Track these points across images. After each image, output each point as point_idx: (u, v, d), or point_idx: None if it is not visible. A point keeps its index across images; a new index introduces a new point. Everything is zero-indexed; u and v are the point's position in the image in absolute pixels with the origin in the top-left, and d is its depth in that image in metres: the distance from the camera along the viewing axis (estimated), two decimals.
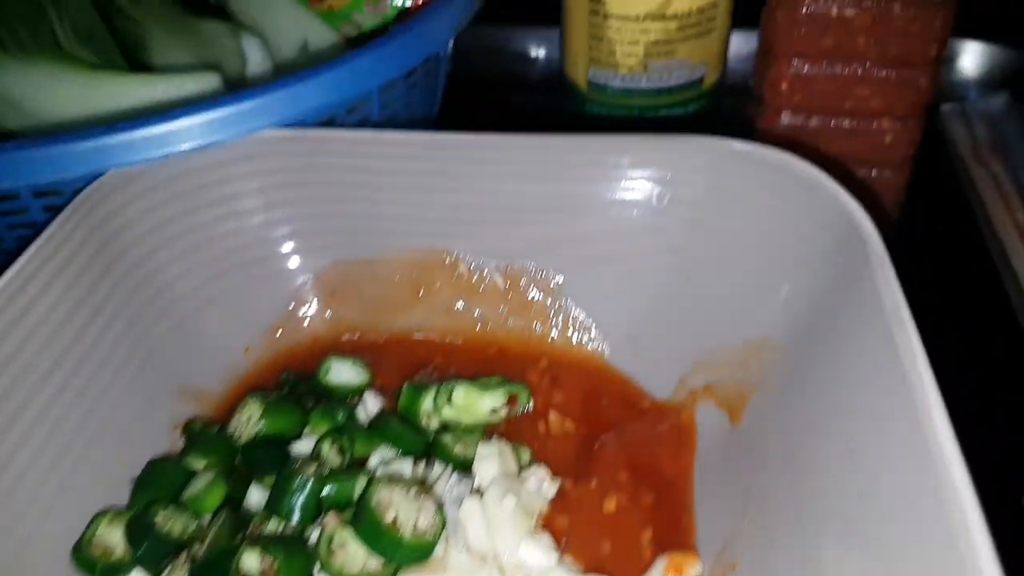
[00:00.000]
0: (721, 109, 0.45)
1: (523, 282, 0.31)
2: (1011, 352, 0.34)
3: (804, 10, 0.32)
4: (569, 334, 0.31)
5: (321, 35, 0.44)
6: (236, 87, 0.40)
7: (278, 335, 0.32)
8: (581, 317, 0.31)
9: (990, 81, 0.49)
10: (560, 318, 0.31)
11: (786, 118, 0.35)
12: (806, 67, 0.34)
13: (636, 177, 0.30)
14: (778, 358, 0.26)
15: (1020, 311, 0.36)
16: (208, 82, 0.37)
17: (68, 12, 0.38)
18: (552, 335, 0.31)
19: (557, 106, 0.46)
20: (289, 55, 0.43)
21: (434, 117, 0.46)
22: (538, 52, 0.54)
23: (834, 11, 0.32)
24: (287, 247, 0.32)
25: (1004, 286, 0.37)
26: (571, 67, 0.44)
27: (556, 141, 0.30)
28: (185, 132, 0.30)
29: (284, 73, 0.42)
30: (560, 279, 0.31)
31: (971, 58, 0.49)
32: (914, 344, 0.21)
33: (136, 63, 0.42)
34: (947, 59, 0.49)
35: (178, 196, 0.30)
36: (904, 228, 0.38)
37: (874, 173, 0.36)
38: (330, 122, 0.35)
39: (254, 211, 0.31)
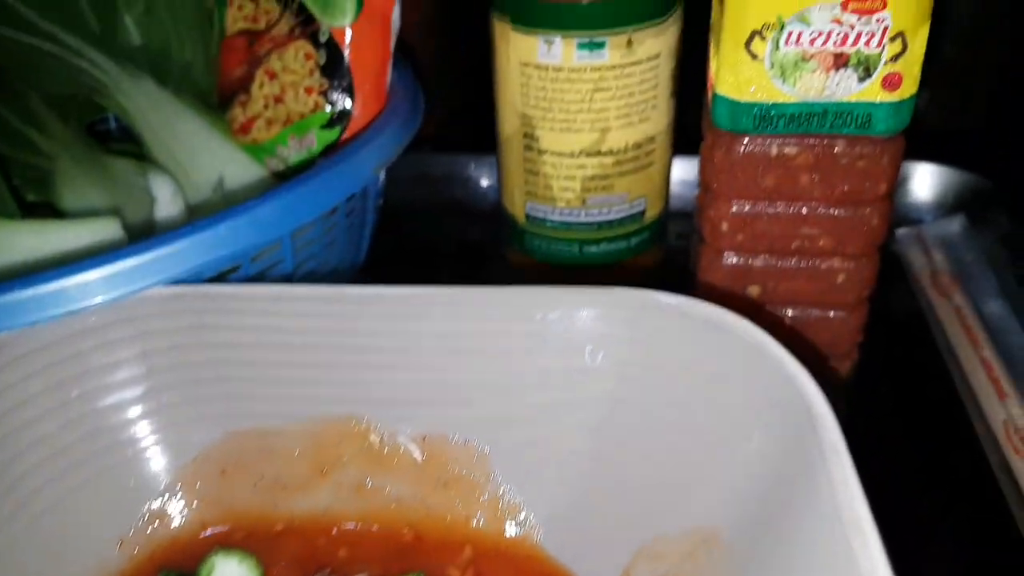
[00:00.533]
0: (666, 240, 0.43)
1: (443, 454, 0.28)
2: (974, 485, 0.33)
3: (741, 150, 0.30)
4: (497, 515, 0.27)
5: (245, 169, 0.42)
6: (141, 232, 0.37)
7: (157, 525, 0.28)
8: (509, 495, 0.28)
9: (944, 203, 0.47)
10: (486, 496, 0.27)
11: (729, 258, 0.33)
12: (747, 207, 0.31)
13: (566, 335, 0.27)
14: (727, 555, 0.22)
15: (989, 450, 0.33)
16: (107, 229, 0.34)
17: None
18: (477, 517, 0.27)
19: (498, 235, 0.44)
20: (207, 192, 0.40)
21: (364, 253, 0.43)
22: (480, 179, 0.52)
23: (774, 150, 0.30)
24: (172, 419, 0.28)
25: (971, 423, 0.34)
26: (508, 200, 0.42)
27: (478, 295, 0.27)
28: (58, 296, 0.27)
29: (197, 215, 0.39)
30: (486, 449, 0.28)
31: (925, 180, 0.48)
32: (878, 563, 0.17)
33: (41, 203, 0.40)
34: (900, 182, 0.47)
35: (47, 368, 0.27)
36: (863, 359, 0.35)
37: (831, 314, 0.33)
38: (235, 269, 0.32)
39: (136, 380, 0.28)
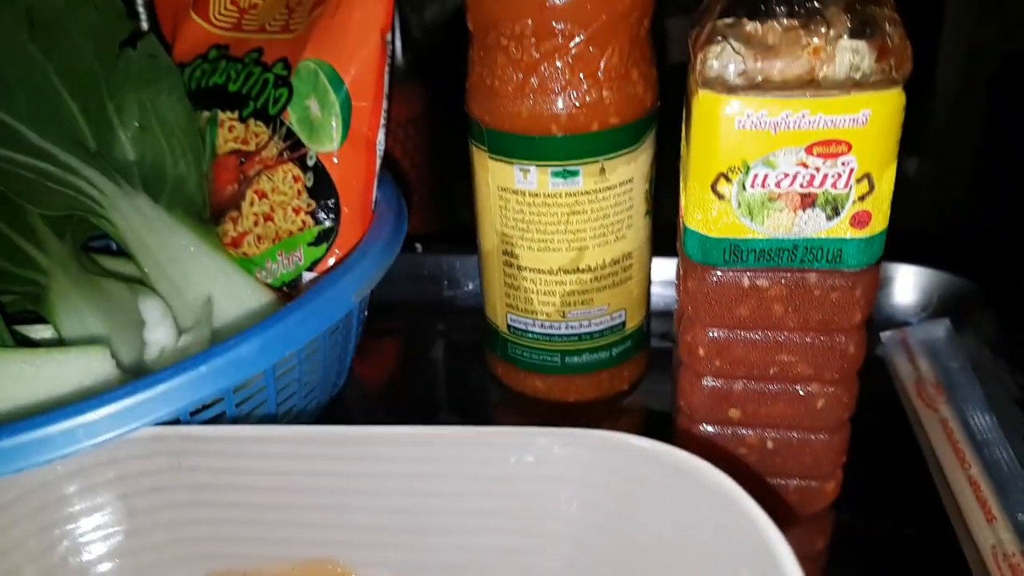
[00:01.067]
0: (648, 345, 0.43)
1: None
2: None
3: (714, 280, 0.31)
4: None
5: (236, 283, 0.42)
6: (130, 356, 0.38)
7: None
8: None
9: (928, 305, 0.47)
10: None
11: (709, 382, 0.33)
12: (723, 333, 0.32)
13: (540, 478, 0.27)
14: None
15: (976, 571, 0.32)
16: (97, 361, 0.35)
17: None
18: None
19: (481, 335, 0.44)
20: (198, 308, 0.41)
21: (348, 363, 0.43)
22: (466, 279, 0.53)
23: (746, 282, 0.31)
24: (154, 559, 0.28)
25: (959, 547, 0.34)
26: (491, 310, 0.42)
27: (455, 433, 0.28)
28: (44, 442, 0.27)
29: (190, 335, 0.40)
30: None
31: (909, 281, 0.48)
32: None
33: (33, 318, 0.40)
34: (883, 283, 0.48)
35: (31, 514, 0.27)
36: (848, 478, 0.35)
37: (812, 437, 0.33)
38: (218, 400, 0.33)
39: (117, 521, 0.28)
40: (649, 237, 0.40)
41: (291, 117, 0.41)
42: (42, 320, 0.40)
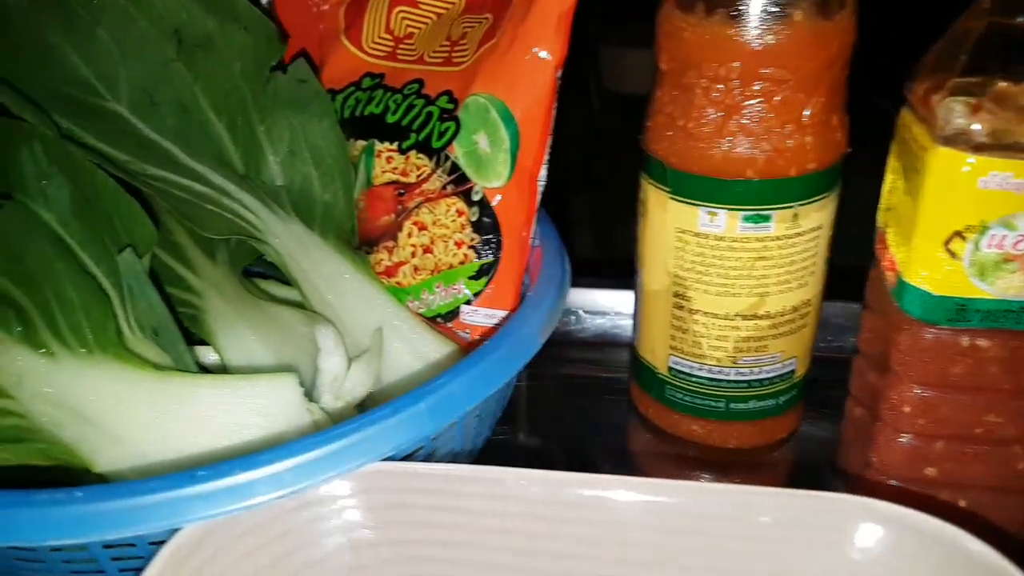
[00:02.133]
0: (807, 394, 0.43)
1: None
2: None
3: (931, 338, 0.30)
4: None
5: (392, 314, 0.42)
6: (310, 387, 0.38)
7: None
8: None
9: None
10: None
11: (908, 440, 0.32)
12: (931, 392, 0.31)
13: (784, 540, 0.26)
14: None
15: None
16: (286, 387, 0.34)
17: (135, 304, 0.36)
18: None
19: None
20: (360, 338, 0.40)
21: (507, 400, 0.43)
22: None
23: (965, 341, 0.30)
24: None
25: None
26: (648, 351, 0.42)
27: (675, 488, 0.27)
28: (273, 479, 0.27)
29: (359, 374, 0.39)
30: None
31: None
32: None
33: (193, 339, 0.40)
34: None
35: (263, 546, 0.27)
36: None
37: (1008, 497, 0.33)
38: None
39: (339, 555, 0.28)
40: (826, 284, 0.39)
41: (457, 151, 0.41)
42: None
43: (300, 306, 0.42)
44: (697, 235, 0.37)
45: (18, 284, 0.36)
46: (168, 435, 0.33)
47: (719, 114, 0.34)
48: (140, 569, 0.25)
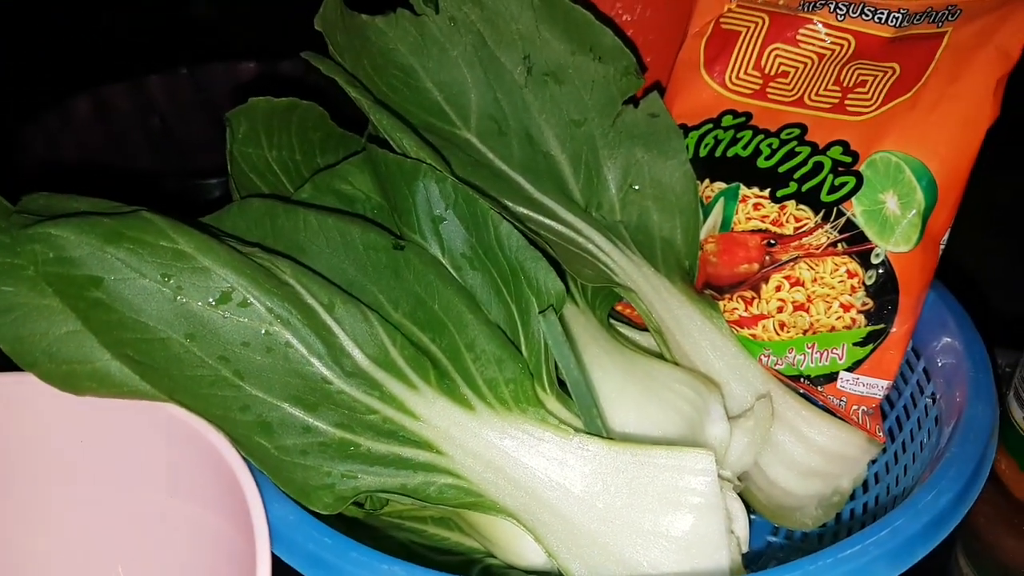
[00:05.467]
0: None
1: None
2: None
3: None
4: None
5: (751, 372, 0.40)
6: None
7: None
8: None
9: None
10: None
11: None
12: None
13: None
14: None
15: None
16: (703, 464, 0.33)
17: (548, 361, 0.35)
18: None
19: None
20: (737, 410, 0.39)
21: None
22: None
23: None
24: None
25: None
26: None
27: None
28: None
29: (743, 443, 0.38)
30: None
31: None
32: None
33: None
34: None
35: None
36: None
37: None
38: None
39: None
40: None
41: (855, 208, 0.39)
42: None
43: (660, 356, 0.41)
44: None
45: (424, 329, 0.36)
46: (611, 513, 0.31)
47: None
48: None
